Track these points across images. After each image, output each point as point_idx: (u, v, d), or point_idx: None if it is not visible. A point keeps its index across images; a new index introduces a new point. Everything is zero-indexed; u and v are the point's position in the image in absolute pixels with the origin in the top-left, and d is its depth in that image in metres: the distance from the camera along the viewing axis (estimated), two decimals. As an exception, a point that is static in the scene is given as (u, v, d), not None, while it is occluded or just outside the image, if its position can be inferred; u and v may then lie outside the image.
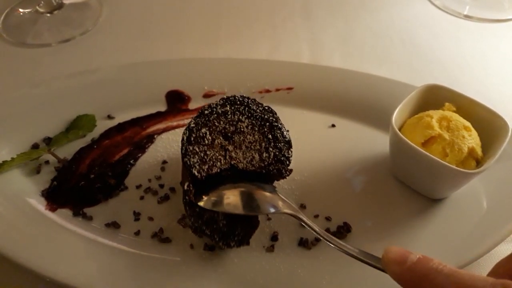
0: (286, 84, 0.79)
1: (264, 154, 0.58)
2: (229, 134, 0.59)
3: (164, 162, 0.71)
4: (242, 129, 0.60)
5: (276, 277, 0.58)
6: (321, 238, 0.54)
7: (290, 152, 0.59)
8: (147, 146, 0.73)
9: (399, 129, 0.64)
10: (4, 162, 0.66)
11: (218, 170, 0.56)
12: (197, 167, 0.56)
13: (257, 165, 0.57)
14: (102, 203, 0.66)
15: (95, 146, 0.72)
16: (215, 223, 0.56)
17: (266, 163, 0.58)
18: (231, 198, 0.56)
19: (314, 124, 0.76)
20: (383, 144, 0.69)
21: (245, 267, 0.59)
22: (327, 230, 0.63)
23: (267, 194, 0.57)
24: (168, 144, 0.73)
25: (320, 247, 0.61)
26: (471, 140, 0.62)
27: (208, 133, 0.59)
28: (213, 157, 0.57)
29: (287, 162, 0.59)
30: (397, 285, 0.56)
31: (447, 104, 0.66)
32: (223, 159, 0.57)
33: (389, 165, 0.70)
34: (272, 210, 0.56)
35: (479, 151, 0.62)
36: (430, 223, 0.64)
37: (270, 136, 0.59)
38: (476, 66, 0.90)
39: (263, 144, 0.59)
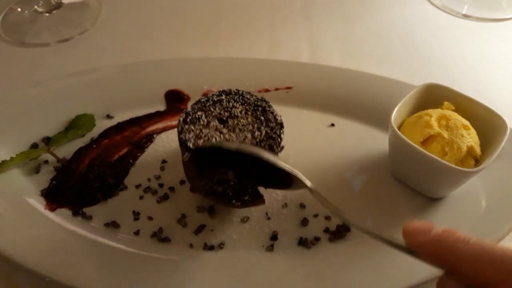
0: (285, 83, 0.79)
1: (256, 133, 0.60)
2: (224, 119, 0.61)
3: (164, 161, 0.71)
4: (236, 114, 0.62)
5: (276, 276, 0.59)
6: (335, 215, 0.52)
7: (282, 131, 0.61)
8: (146, 145, 0.73)
9: (398, 128, 0.64)
10: (4, 161, 0.66)
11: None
12: (192, 140, 0.58)
13: (249, 143, 0.59)
14: (101, 202, 0.66)
15: (95, 146, 0.72)
16: (226, 182, 0.57)
17: (258, 140, 0.59)
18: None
19: (313, 123, 0.76)
20: (382, 143, 0.70)
21: (245, 267, 0.59)
22: (327, 229, 0.63)
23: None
24: (167, 143, 0.73)
25: (319, 246, 0.61)
26: (470, 139, 0.62)
27: (204, 116, 0.61)
28: (208, 135, 0.59)
29: (279, 140, 0.60)
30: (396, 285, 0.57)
31: (446, 103, 0.67)
32: (218, 138, 0.59)
33: (388, 164, 0.70)
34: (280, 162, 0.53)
35: (478, 150, 0.62)
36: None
37: (262, 118, 0.62)
38: (475, 65, 0.90)
39: (256, 125, 0.61)
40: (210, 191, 0.58)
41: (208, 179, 0.57)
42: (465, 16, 1.02)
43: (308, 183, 0.54)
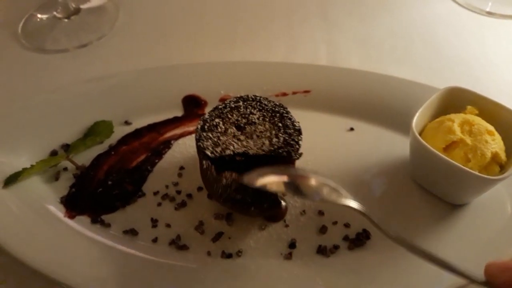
0: (303, 87, 0.78)
1: (274, 139, 0.59)
2: (242, 125, 0.61)
3: (181, 168, 0.70)
4: (254, 121, 0.62)
5: (294, 285, 0.58)
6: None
7: (300, 137, 0.60)
8: (164, 151, 0.73)
9: (420, 133, 0.63)
10: (24, 169, 0.67)
11: (232, 153, 0.58)
12: (211, 149, 0.58)
13: (267, 149, 0.58)
14: (120, 209, 0.66)
15: (113, 153, 0.72)
16: (245, 189, 0.57)
17: (276, 146, 0.59)
18: (274, 186, 0.54)
19: (332, 128, 0.75)
20: (403, 147, 0.68)
21: (263, 275, 0.59)
22: (346, 237, 0.62)
23: (313, 183, 0.54)
24: (185, 149, 0.73)
25: (339, 255, 0.60)
26: (495, 144, 0.60)
27: (221, 123, 0.61)
28: (226, 142, 0.59)
29: (297, 146, 0.59)
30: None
31: (469, 107, 0.65)
32: (236, 145, 0.59)
33: (409, 169, 0.68)
34: (318, 198, 0.53)
35: (503, 156, 0.60)
36: (452, 230, 0.62)
37: (280, 124, 0.61)
38: (500, 65, 0.87)
39: (273, 131, 0.61)
40: (228, 199, 0.58)
41: (226, 187, 0.57)
42: (490, 14, 0.99)
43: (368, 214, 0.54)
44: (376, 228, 0.52)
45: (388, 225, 0.55)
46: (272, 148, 0.59)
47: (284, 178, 0.53)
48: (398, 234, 0.51)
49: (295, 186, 0.53)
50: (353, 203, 0.53)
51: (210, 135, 0.60)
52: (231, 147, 0.58)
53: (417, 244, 0.49)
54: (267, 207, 0.58)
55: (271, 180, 0.53)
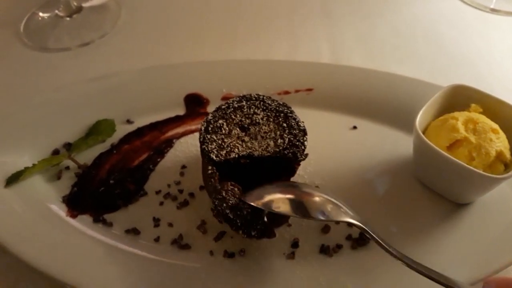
0: (305, 85, 0.78)
1: (279, 141, 0.59)
2: (246, 126, 0.61)
3: (183, 167, 0.70)
4: (258, 121, 0.61)
5: (297, 285, 0.58)
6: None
7: (305, 138, 0.60)
8: (166, 150, 0.72)
9: (423, 132, 0.63)
10: (26, 168, 0.66)
11: (236, 156, 0.57)
12: (215, 152, 0.57)
13: (272, 151, 0.58)
14: (122, 209, 0.66)
15: (115, 151, 0.72)
16: (240, 210, 0.56)
17: (281, 148, 0.58)
18: (280, 203, 0.54)
19: (335, 126, 0.74)
20: (407, 146, 0.68)
21: (265, 275, 0.59)
22: (349, 236, 0.62)
23: (317, 199, 0.55)
24: (187, 148, 0.73)
25: (342, 254, 0.60)
26: (499, 143, 0.59)
27: (225, 124, 0.60)
28: (231, 144, 0.58)
29: (302, 147, 0.59)
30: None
31: (473, 105, 0.64)
32: (241, 147, 0.58)
33: (412, 168, 0.68)
34: (322, 217, 0.54)
35: (507, 154, 0.60)
36: (456, 229, 0.62)
37: (284, 125, 0.61)
38: (504, 62, 0.86)
39: (278, 132, 0.60)
40: (220, 213, 0.56)
41: (223, 200, 0.55)
42: (494, 11, 0.98)
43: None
44: (377, 244, 0.53)
45: (390, 239, 0.55)
46: (277, 150, 0.58)
47: (289, 195, 0.54)
48: (398, 250, 0.52)
49: (300, 203, 0.53)
50: (354, 220, 0.54)
51: (214, 137, 0.59)
52: (236, 150, 0.58)
53: (417, 261, 0.51)
54: (255, 235, 0.56)
55: (276, 198, 0.53)
